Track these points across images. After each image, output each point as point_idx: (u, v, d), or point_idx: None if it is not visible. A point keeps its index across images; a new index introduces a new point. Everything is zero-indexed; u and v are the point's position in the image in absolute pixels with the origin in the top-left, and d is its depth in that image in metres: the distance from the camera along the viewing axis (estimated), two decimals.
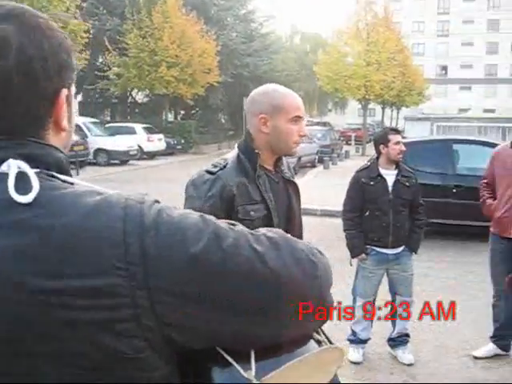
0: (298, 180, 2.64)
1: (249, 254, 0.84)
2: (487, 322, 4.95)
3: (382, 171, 4.49)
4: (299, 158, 18.89)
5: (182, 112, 37.04)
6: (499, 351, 4.68)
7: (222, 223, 0.88)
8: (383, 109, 39.23)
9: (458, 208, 8.48)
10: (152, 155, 25.10)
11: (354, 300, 4.67)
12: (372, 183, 4.46)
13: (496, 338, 4.70)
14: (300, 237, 2.27)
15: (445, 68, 72.50)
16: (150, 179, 17.55)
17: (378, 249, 4.48)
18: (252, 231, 0.91)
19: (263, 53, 38.35)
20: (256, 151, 2.20)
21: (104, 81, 28.23)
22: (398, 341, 4.67)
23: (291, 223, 2.29)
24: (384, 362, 4.60)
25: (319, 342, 0.96)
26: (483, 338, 4.85)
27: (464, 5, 69.42)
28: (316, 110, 60.33)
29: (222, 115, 41.49)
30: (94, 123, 24.04)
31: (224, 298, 0.83)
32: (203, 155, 29.04)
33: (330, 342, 1.00)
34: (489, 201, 4.60)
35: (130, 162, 22.75)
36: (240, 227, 0.90)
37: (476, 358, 4.66)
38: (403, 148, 4.49)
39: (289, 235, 0.94)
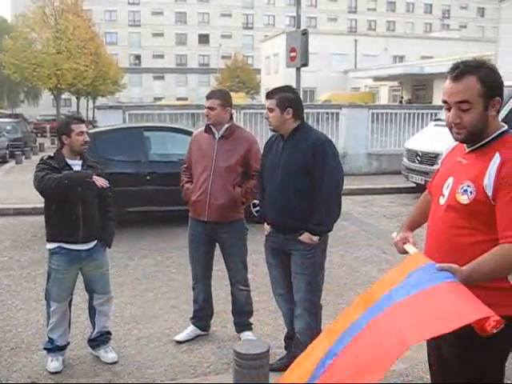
0: None
1: None
2: (188, 305, 5.03)
3: (69, 161, 4.17)
4: None
5: None
6: (199, 332, 4.79)
7: None
8: (78, 99, 38.24)
9: (153, 195, 8.56)
10: None
11: (48, 305, 4.29)
12: (60, 172, 4.10)
13: (195, 319, 4.80)
14: None
15: (138, 57, 73.95)
16: None
17: (69, 246, 4.16)
18: None
19: None
20: None
21: None
22: (99, 340, 4.43)
23: None
24: (86, 366, 4.32)
25: None
26: (186, 321, 4.92)
27: None
28: (6, 102, 56.05)
29: None
30: None
31: None
32: None
33: None
34: (187, 185, 4.64)
35: None
36: None
37: (178, 342, 4.69)
38: (87, 138, 4.22)
39: None
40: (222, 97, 4.47)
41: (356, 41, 48.82)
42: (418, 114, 15.22)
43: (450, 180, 2.39)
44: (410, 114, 15.26)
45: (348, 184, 13.03)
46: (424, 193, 2.82)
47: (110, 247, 4.44)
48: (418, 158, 11.34)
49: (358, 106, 16.14)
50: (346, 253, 7.43)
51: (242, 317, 4.71)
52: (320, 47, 43.16)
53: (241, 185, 4.49)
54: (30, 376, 4.16)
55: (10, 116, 34.81)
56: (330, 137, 13.66)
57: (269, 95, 3.88)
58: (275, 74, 47.27)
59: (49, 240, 4.23)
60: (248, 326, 4.71)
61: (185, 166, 4.76)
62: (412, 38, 52.27)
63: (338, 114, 14.81)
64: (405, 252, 2.61)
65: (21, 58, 27.49)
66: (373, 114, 14.97)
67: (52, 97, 34.87)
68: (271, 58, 50.18)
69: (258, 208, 4.40)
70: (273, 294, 4.26)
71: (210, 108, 4.42)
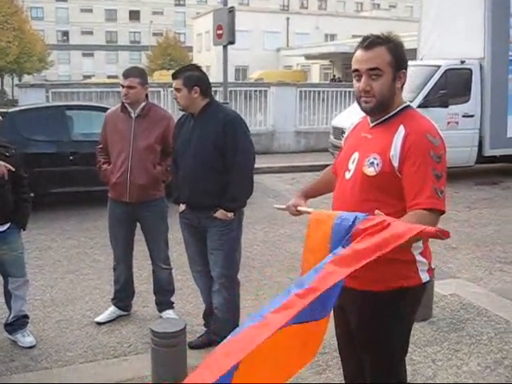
0: None
1: None
2: (110, 285, 4.99)
3: None
4: None
5: None
6: (120, 312, 4.77)
7: None
8: (1, 76, 36.69)
9: (76, 175, 8.38)
10: None
11: None
12: None
13: (116, 299, 4.78)
14: None
15: (66, 34, 71.52)
16: None
17: None
18: None
19: None
20: None
21: None
22: (16, 325, 4.34)
23: None
24: (2, 351, 4.22)
25: None
26: (108, 302, 4.88)
27: None
28: None
29: None
30: None
31: None
32: None
33: None
34: (104, 166, 4.56)
35: None
36: None
37: (99, 323, 4.65)
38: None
39: None
40: (141, 75, 4.42)
41: (288, 19, 49.00)
42: (346, 92, 15.46)
43: (356, 155, 2.43)
44: (338, 92, 15.50)
45: (276, 162, 13.41)
46: (328, 167, 2.88)
47: (24, 229, 4.33)
48: (343, 135, 11.52)
49: (286, 85, 16.24)
50: (271, 229, 7.55)
51: (164, 296, 4.72)
52: (252, 25, 43.14)
53: (161, 163, 4.47)
54: None
55: None
56: (258, 115, 13.70)
57: (175, 75, 3.88)
58: (207, 52, 46.88)
59: None
60: (169, 305, 4.73)
61: (100, 146, 4.68)
62: (343, 17, 52.82)
63: (266, 92, 14.87)
64: (296, 214, 2.64)
65: None
66: (301, 92, 15.11)
67: None
68: (203, 35, 49.63)
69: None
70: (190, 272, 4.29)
71: (129, 87, 4.34)
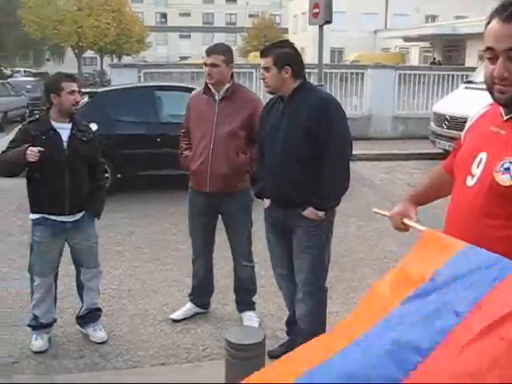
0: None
1: None
2: (188, 278, 4.67)
3: (55, 124, 3.77)
4: (5, 113, 16.98)
5: None
6: (198, 309, 4.43)
7: None
8: (101, 57, 37.72)
9: (163, 158, 8.12)
10: None
11: (32, 280, 3.96)
12: (44, 138, 3.71)
13: (194, 296, 4.44)
14: None
15: (164, 16, 72.82)
16: None
17: (53, 217, 3.80)
18: None
19: None
20: None
21: None
22: (88, 317, 4.11)
23: None
24: (73, 345, 4.00)
25: None
26: (185, 297, 4.56)
27: None
28: (32, 61, 55.85)
29: None
30: None
31: None
32: None
33: None
34: (185, 152, 4.22)
35: None
36: None
37: (174, 321, 4.34)
38: (78, 98, 3.82)
39: None
40: (225, 52, 3.97)
41: (387, 0, 47.17)
42: (449, 75, 14.45)
43: (483, 156, 1.83)
44: (440, 75, 14.49)
45: (371, 148, 12.67)
46: (438, 167, 2.32)
47: (98, 218, 4.06)
48: (445, 122, 10.69)
49: (384, 67, 15.37)
50: (364, 224, 6.96)
51: (245, 295, 4.33)
52: (349, 6, 41.84)
53: (245, 151, 4.04)
54: (12, 354, 3.86)
55: (35, 75, 34.46)
56: (354, 99, 12.97)
57: (264, 53, 3.39)
58: (303, 33, 46.03)
59: (32, 211, 3.87)
60: (250, 306, 4.33)
61: (183, 131, 4.32)
62: None
63: (363, 74, 14.12)
64: (402, 228, 2.13)
65: (42, 14, 26.97)
66: (400, 75, 14.24)
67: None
68: (299, 16, 48.80)
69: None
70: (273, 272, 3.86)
71: (212, 65, 3.92)
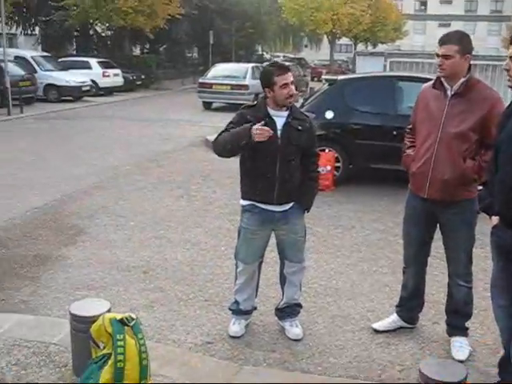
0: None
1: None
2: (400, 286, 4.29)
3: (271, 111, 3.68)
4: (256, 95, 17.96)
5: (147, 46, 35.37)
6: (403, 323, 4.05)
7: None
8: (355, 44, 37.90)
9: (399, 152, 7.68)
10: (109, 91, 23.87)
11: (236, 265, 3.98)
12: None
13: (401, 307, 4.07)
14: None
15: (424, 4, 70.53)
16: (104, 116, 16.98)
17: (262, 205, 3.74)
18: None
19: None
20: None
21: (60, 11, 26.49)
22: (286, 312, 4.01)
23: None
24: (268, 336, 3.93)
25: None
26: (393, 306, 4.19)
27: None
28: (292, 46, 58.52)
29: (189, 50, 39.75)
30: (45, 57, 22.77)
31: None
32: (165, 91, 27.83)
33: None
34: (408, 151, 3.86)
35: (85, 98, 21.57)
36: None
37: (376, 331, 4.02)
38: (293, 91, 3.65)
39: None
40: (460, 41, 3.48)
41: None
42: None
43: None
44: None
45: None
46: None
47: (308, 211, 3.90)
48: None
49: None
50: None
51: (457, 318, 3.82)
52: None
53: (474, 157, 3.53)
54: (209, 334, 3.93)
55: (292, 60, 36.00)
56: None
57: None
58: None
59: (242, 197, 3.87)
60: (462, 331, 3.81)
61: (409, 126, 3.94)
62: None
63: None
64: None
65: (300, 2, 27.95)
66: None
67: (337, 42, 35.04)
68: None
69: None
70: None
71: (444, 56, 3.48)
